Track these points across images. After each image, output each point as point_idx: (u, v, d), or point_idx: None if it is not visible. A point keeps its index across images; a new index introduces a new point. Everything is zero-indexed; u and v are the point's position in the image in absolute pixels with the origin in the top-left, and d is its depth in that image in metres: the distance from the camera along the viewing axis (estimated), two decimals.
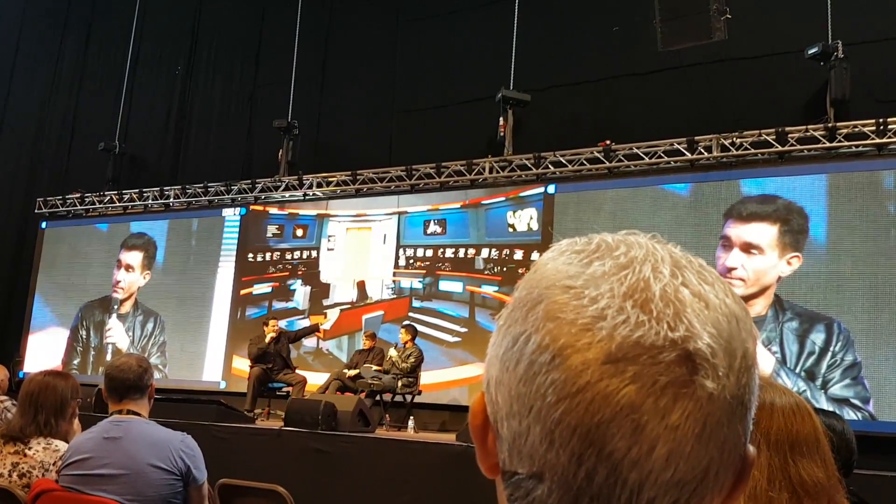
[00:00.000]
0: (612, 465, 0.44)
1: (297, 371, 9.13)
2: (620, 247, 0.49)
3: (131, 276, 11.59)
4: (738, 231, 7.69)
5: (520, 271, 8.59)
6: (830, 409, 6.69)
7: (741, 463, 0.48)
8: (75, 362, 11.70)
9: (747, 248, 7.59)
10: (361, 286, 10.06)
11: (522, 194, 9.13)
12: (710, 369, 0.45)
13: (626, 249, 0.49)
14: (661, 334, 0.45)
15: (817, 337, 7.14)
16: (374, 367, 8.44)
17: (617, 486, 0.44)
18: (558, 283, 0.48)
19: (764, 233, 7.57)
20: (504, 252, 9.11)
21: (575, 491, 0.45)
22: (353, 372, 8.51)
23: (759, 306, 7.37)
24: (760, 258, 7.50)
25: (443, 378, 9.04)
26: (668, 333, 0.45)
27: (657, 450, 0.44)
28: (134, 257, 11.63)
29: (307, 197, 10.55)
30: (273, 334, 8.91)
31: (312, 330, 9.63)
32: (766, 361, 7.20)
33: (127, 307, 11.53)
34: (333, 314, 10.04)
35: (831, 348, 7.06)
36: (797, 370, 7.14)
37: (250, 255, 10.84)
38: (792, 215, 7.48)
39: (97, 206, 12.08)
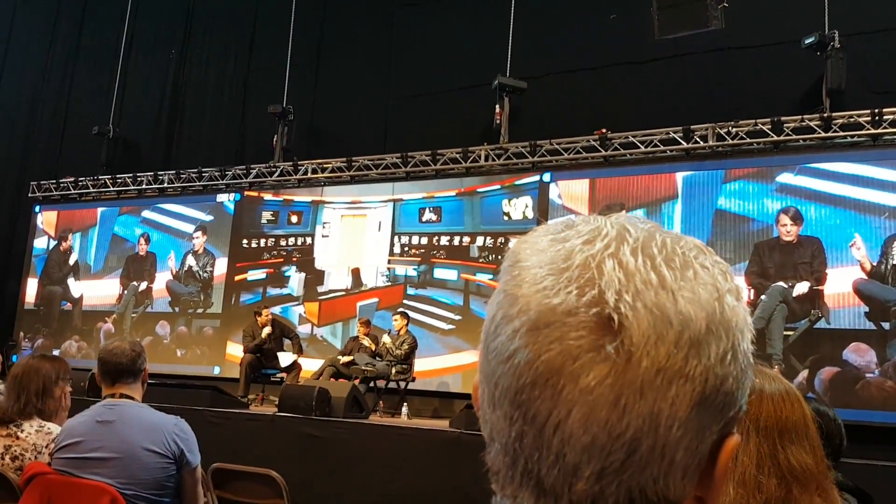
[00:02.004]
0: (538, 428, 0.46)
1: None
2: (580, 225, 0.51)
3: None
4: None
5: None
6: None
7: (710, 447, 0.47)
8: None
9: None
10: (356, 273, 10.06)
11: (518, 182, 9.12)
12: (626, 337, 0.45)
13: (582, 227, 0.50)
14: (569, 300, 0.46)
15: None
16: (367, 342, 8.47)
17: (543, 450, 0.46)
18: (515, 257, 0.51)
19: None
20: (499, 240, 9.12)
21: (512, 454, 0.47)
22: (347, 358, 8.52)
23: None
24: None
25: (436, 365, 9.06)
26: (576, 299, 0.46)
27: (573, 413, 0.45)
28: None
29: (302, 183, 10.52)
30: (269, 329, 8.90)
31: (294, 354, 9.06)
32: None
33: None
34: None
35: None
36: None
37: (244, 241, 10.81)
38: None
39: (91, 190, 12.03)
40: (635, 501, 0.45)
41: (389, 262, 9.82)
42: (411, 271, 9.66)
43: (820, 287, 7.41)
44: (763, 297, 7.60)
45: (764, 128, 7.76)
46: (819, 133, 7.57)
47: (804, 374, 7.30)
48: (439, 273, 9.47)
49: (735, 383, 0.47)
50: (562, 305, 0.46)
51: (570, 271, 0.47)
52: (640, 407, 0.44)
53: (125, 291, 11.54)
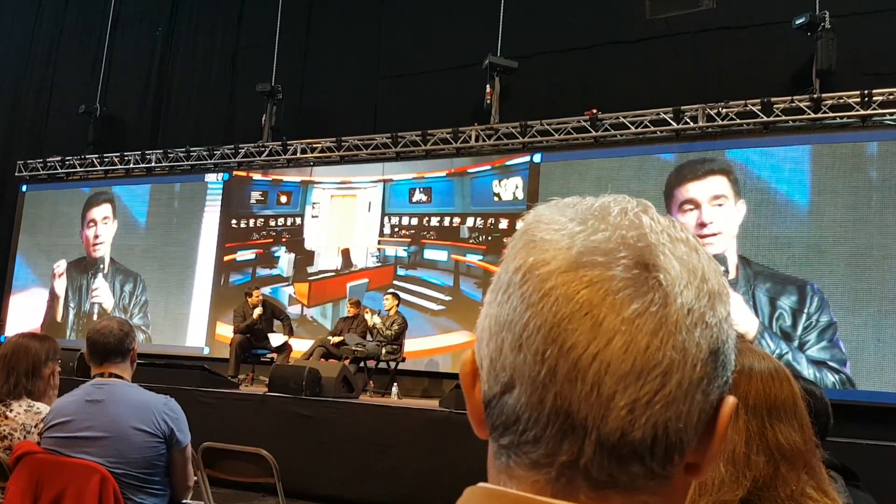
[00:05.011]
0: (574, 360, 0.47)
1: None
2: (599, 200, 0.54)
3: (107, 226, 11.54)
4: (701, 187, 7.91)
5: (504, 240, 8.58)
6: (809, 371, 6.87)
7: (713, 404, 0.50)
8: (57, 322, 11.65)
9: (714, 199, 7.85)
10: (346, 254, 10.04)
11: (508, 163, 9.10)
12: (664, 273, 0.48)
13: (602, 199, 0.53)
14: (615, 238, 0.49)
15: (790, 299, 7.31)
16: (369, 315, 8.46)
17: (578, 381, 0.47)
18: (537, 221, 0.53)
19: (722, 183, 7.86)
20: (489, 221, 9.11)
21: (541, 389, 0.48)
22: (337, 339, 8.54)
23: (729, 266, 7.54)
24: (727, 206, 7.78)
25: (426, 346, 9.08)
26: (623, 234, 0.49)
27: (614, 341, 0.46)
28: (104, 209, 11.61)
29: (291, 163, 10.46)
30: (259, 309, 8.89)
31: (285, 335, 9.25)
32: (749, 324, 7.34)
33: (105, 266, 11.46)
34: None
35: (805, 310, 7.24)
36: (773, 331, 7.29)
37: (233, 221, 10.76)
38: (729, 166, 7.83)
39: (77, 169, 11.91)
40: (658, 438, 0.47)
41: (379, 242, 9.81)
42: (401, 252, 9.65)
43: None
44: None
45: (754, 109, 7.76)
46: (809, 114, 7.58)
47: None
48: (429, 254, 9.46)
49: (731, 345, 0.51)
50: (606, 243, 0.49)
51: (611, 216, 0.50)
52: (674, 340, 0.47)
53: None
